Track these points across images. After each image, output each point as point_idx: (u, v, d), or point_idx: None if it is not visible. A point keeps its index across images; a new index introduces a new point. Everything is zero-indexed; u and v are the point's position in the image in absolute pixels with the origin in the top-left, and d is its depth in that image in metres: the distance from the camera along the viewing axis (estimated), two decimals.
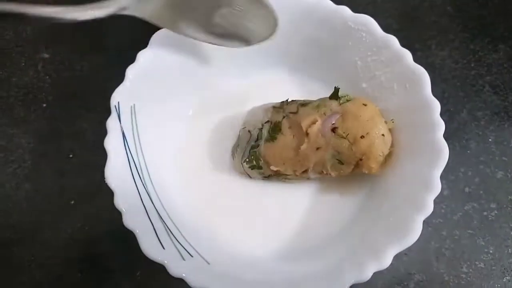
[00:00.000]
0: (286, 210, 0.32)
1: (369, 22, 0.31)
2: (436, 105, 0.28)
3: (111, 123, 0.29)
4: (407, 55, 0.30)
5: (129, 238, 0.27)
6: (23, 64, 0.41)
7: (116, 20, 0.43)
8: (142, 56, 0.31)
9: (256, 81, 0.36)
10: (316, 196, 0.32)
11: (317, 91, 0.34)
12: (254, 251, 0.31)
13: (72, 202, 0.36)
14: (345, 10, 0.32)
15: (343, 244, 0.29)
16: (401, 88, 0.30)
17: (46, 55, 0.42)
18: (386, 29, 0.42)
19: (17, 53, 0.42)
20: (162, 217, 0.29)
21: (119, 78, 0.31)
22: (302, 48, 0.34)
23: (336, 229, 0.31)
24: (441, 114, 0.38)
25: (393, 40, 0.30)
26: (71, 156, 0.37)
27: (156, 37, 0.31)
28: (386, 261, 0.25)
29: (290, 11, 0.32)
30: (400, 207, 0.27)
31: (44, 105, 0.39)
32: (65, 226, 0.35)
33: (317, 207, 0.32)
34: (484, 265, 0.33)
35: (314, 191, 0.33)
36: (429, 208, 0.26)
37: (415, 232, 0.25)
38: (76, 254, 0.35)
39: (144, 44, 0.32)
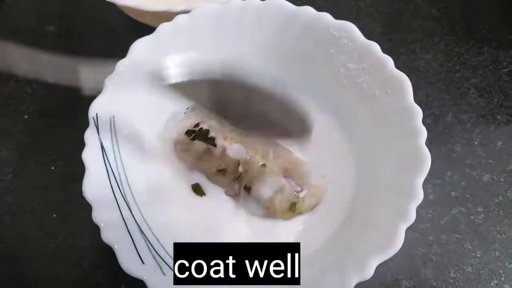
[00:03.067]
0: (267, 222, 0.32)
1: (351, 28, 0.31)
2: (418, 112, 0.28)
3: (89, 135, 0.29)
4: (389, 61, 0.30)
5: (112, 251, 0.27)
6: (3, 74, 0.41)
7: (96, 29, 0.43)
8: (121, 65, 0.30)
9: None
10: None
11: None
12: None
13: (55, 215, 0.35)
14: (326, 16, 0.31)
15: (326, 255, 0.28)
16: (383, 94, 0.30)
17: None
18: (370, 33, 0.42)
19: None
20: (143, 230, 0.28)
21: (101, 87, 0.30)
22: (285, 57, 0.34)
23: (318, 240, 0.30)
24: (426, 118, 0.38)
25: (375, 47, 0.30)
26: (53, 168, 0.36)
27: (135, 46, 0.31)
28: (368, 272, 0.24)
29: (273, 20, 0.32)
30: (382, 216, 0.27)
31: (26, 116, 0.39)
32: (48, 239, 0.35)
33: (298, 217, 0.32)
34: (472, 269, 0.33)
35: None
36: (412, 216, 0.25)
37: (398, 241, 0.25)
38: (60, 268, 0.34)
39: (126, 53, 0.31)
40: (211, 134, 0.32)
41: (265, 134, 0.31)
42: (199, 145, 0.32)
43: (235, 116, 0.29)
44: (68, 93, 0.39)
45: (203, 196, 0.32)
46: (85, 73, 0.40)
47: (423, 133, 0.27)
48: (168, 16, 0.34)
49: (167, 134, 0.33)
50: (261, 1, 0.32)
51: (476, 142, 0.37)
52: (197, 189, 0.32)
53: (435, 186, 0.35)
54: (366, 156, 0.32)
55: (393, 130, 0.29)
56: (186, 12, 0.33)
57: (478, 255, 0.33)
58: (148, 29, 0.36)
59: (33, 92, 0.40)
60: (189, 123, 0.32)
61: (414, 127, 0.28)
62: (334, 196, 0.32)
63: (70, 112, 0.39)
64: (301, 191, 0.31)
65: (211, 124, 0.32)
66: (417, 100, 0.38)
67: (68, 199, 0.35)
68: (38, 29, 0.43)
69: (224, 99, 0.28)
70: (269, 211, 0.31)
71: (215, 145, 0.31)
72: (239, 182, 0.32)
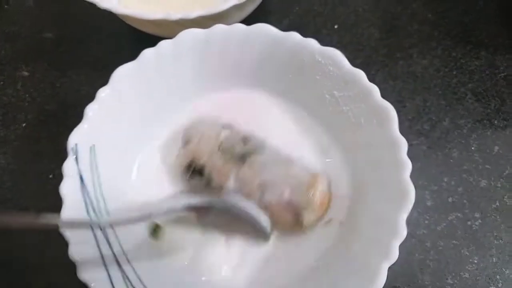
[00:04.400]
0: (246, 255, 0.31)
1: (336, 55, 0.30)
2: (403, 144, 0.28)
3: (67, 167, 0.28)
4: (375, 90, 0.29)
5: None
6: (2, 83, 0.41)
7: (95, 36, 0.43)
8: (103, 93, 0.30)
9: (229, 103, 0.35)
10: (280, 239, 0.31)
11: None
12: None
13: None
14: (312, 43, 0.31)
15: (308, 284, 0.29)
16: (368, 124, 0.30)
17: (25, 73, 0.41)
18: (368, 38, 0.42)
19: None
20: (121, 265, 0.28)
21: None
22: (273, 80, 0.34)
23: (302, 273, 0.30)
24: (423, 123, 0.38)
25: (361, 75, 0.30)
26: (51, 176, 0.37)
27: (117, 73, 0.31)
28: None
29: (258, 45, 0.32)
30: (365, 253, 0.27)
31: (24, 124, 0.39)
32: (48, 249, 0.35)
33: (282, 250, 0.31)
34: (469, 275, 0.33)
35: (277, 234, 0.32)
36: (394, 254, 0.25)
37: (380, 280, 0.25)
38: (60, 278, 0.34)
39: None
40: (206, 171, 0.31)
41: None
42: (198, 182, 0.31)
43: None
44: (67, 101, 0.40)
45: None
46: (85, 79, 0.41)
47: (408, 166, 0.27)
48: (165, 24, 0.34)
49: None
50: (246, 26, 0.31)
51: (473, 148, 0.37)
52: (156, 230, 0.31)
53: (432, 192, 0.36)
54: (356, 183, 0.31)
55: (378, 161, 0.29)
56: (183, 20, 0.33)
57: (475, 261, 0.34)
58: (146, 37, 0.37)
59: (32, 101, 0.40)
60: (184, 159, 0.31)
61: (399, 159, 0.27)
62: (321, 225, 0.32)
63: (68, 120, 0.39)
64: (301, 215, 0.30)
65: (202, 162, 0.31)
66: (414, 105, 0.39)
67: None
68: (37, 36, 0.43)
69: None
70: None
71: (211, 183, 0.31)
72: None
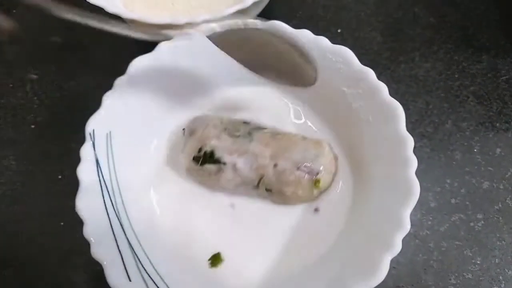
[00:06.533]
0: (266, 238, 0.32)
1: (347, 53, 0.31)
2: (410, 141, 0.28)
3: (85, 151, 0.29)
4: (383, 88, 0.30)
5: None
6: (11, 85, 0.42)
7: (102, 40, 0.44)
8: (120, 82, 0.31)
9: (238, 99, 0.36)
10: (289, 229, 0.33)
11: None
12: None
13: (62, 223, 0.36)
14: (323, 41, 0.31)
15: (313, 280, 0.29)
16: (376, 121, 0.30)
17: (34, 76, 0.42)
18: (370, 42, 0.43)
19: (4, 74, 0.42)
20: (133, 247, 0.29)
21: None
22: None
23: (308, 263, 0.31)
24: (426, 126, 0.39)
25: (370, 73, 0.30)
26: (60, 177, 0.37)
27: (134, 63, 0.31)
28: None
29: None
30: (369, 245, 0.28)
31: (33, 126, 0.40)
32: (55, 248, 0.35)
33: (293, 237, 0.32)
34: (472, 276, 0.34)
35: (287, 225, 0.33)
36: (397, 247, 0.26)
37: (382, 272, 0.25)
38: (67, 276, 0.35)
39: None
40: (216, 154, 0.32)
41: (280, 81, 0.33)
42: (210, 168, 0.32)
43: (258, 66, 0.32)
44: (74, 103, 0.40)
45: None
46: (93, 82, 0.41)
47: (414, 163, 0.28)
48: (172, 28, 0.34)
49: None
50: (260, 22, 0.32)
51: (475, 150, 0.38)
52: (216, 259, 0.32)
53: (435, 193, 0.36)
54: (361, 179, 0.32)
55: (385, 157, 0.30)
56: (189, 24, 0.33)
57: (478, 262, 0.34)
58: (152, 43, 0.37)
59: (40, 103, 0.41)
60: (192, 149, 0.33)
61: (405, 156, 0.28)
62: (330, 215, 0.32)
63: (76, 122, 0.39)
64: (317, 174, 0.31)
65: (212, 145, 0.32)
66: (417, 108, 0.40)
67: (74, 207, 0.36)
68: (45, 39, 0.44)
69: (254, 50, 0.30)
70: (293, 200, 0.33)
71: (224, 163, 0.32)
72: (260, 189, 0.32)
